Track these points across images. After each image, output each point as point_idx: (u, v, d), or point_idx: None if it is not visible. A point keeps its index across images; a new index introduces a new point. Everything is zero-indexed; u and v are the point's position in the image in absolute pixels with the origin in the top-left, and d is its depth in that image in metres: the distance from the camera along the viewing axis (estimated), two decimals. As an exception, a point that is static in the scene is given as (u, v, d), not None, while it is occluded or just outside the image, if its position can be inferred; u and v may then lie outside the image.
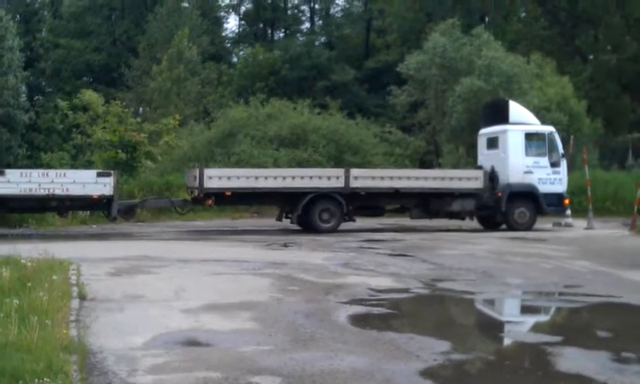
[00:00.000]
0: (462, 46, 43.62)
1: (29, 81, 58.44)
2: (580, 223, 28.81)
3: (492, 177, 28.07)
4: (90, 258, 17.43)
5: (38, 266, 13.07)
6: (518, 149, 28.23)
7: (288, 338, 9.85)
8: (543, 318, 12.72)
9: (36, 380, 6.53)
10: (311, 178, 26.90)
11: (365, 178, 27.38)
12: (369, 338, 10.07)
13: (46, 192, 24.52)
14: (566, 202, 28.70)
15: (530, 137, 28.47)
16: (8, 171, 25.31)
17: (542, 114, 41.46)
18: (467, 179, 28.23)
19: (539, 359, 9.27)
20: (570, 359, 9.03)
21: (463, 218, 28.57)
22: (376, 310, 12.25)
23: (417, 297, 14.11)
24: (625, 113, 53.23)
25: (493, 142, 29.32)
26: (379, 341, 9.85)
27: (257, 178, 26.66)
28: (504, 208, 27.69)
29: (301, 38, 68.27)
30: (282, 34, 72.16)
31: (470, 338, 11.02)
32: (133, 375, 8.03)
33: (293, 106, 40.72)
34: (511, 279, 16.02)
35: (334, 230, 26.26)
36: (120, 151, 34.88)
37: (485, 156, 29.66)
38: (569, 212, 29.69)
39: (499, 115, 29.25)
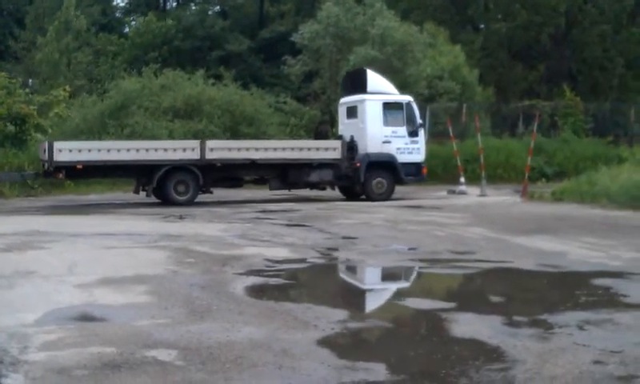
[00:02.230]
0: (356, 16, 43.71)
1: None
2: (474, 190, 29.32)
3: (351, 147, 28.15)
4: (-23, 234, 17.00)
5: None
6: (376, 118, 28.33)
7: (184, 310, 9.76)
8: (437, 284, 12.88)
9: None
10: (166, 150, 26.58)
11: (221, 150, 27.17)
12: (266, 308, 10.05)
13: None
14: (424, 170, 29.01)
15: (388, 106, 28.56)
16: None
17: (435, 83, 42.19)
18: (325, 149, 28.21)
19: (434, 325, 9.38)
20: (465, 324, 9.15)
21: (323, 189, 28.67)
22: (273, 281, 12.24)
23: (313, 267, 14.15)
24: (516, 81, 54.33)
25: (352, 112, 29.39)
26: (276, 311, 9.83)
27: (109, 150, 26.21)
28: (362, 178, 27.79)
29: (194, 8, 67.54)
30: (174, 4, 71.30)
31: (367, 306, 11.13)
32: (25, 352, 7.83)
33: (187, 76, 40.27)
34: (406, 247, 16.22)
35: (189, 203, 25.92)
36: (8, 124, 34.01)
37: (345, 125, 29.73)
38: (462, 179, 30.17)
39: (358, 84, 29.40)
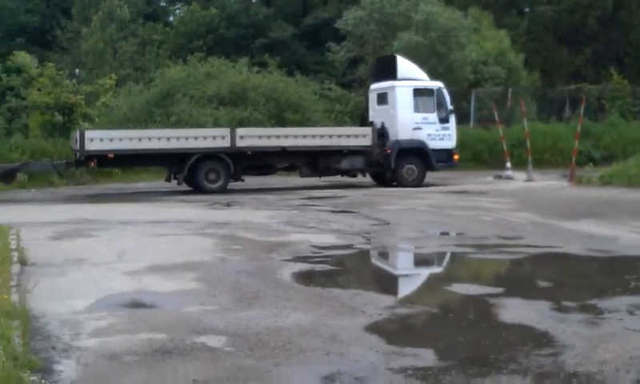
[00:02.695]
0: (400, 1, 43.55)
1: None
2: (520, 175, 29.13)
3: (382, 133, 28.05)
4: (29, 222, 17.22)
5: (-24, 232, 12.89)
6: (407, 105, 28.19)
7: (232, 297, 9.82)
8: (485, 270, 12.83)
9: (-24, 347, 6.43)
10: (196, 138, 26.69)
11: (251, 137, 27.20)
12: (313, 294, 10.08)
13: None
14: (456, 157, 28.80)
15: (418, 93, 28.43)
16: None
17: (480, 68, 41.90)
18: (355, 136, 28.15)
19: (482, 311, 9.35)
20: (512, 310, 9.12)
21: (354, 176, 28.60)
22: (319, 267, 12.27)
23: (360, 253, 14.16)
24: (562, 64, 53.72)
25: (382, 98, 29.26)
26: (323, 297, 9.86)
27: (140, 139, 26.40)
28: (393, 165, 27.69)
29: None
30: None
31: (414, 292, 11.12)
32: (76, 339, 7.93)
33: (231, 64, 40.38)
34: (452, 232, 16.16)
35: (221, 191, 25.99)
36: (57, 113, 34.38)
37: (376, 112, 29.59)
38: (509, 164, 29.98)
39: (388, 71, 29.23)
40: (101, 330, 8.27)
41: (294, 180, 28.54)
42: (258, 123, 33.48)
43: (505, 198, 22.36)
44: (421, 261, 13.92)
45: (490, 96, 40.23)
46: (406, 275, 13.06)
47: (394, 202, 22.01)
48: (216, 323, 8.48)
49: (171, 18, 65.19)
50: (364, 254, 14.19)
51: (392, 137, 27.91)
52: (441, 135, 28.15)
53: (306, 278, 11.31)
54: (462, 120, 39.16)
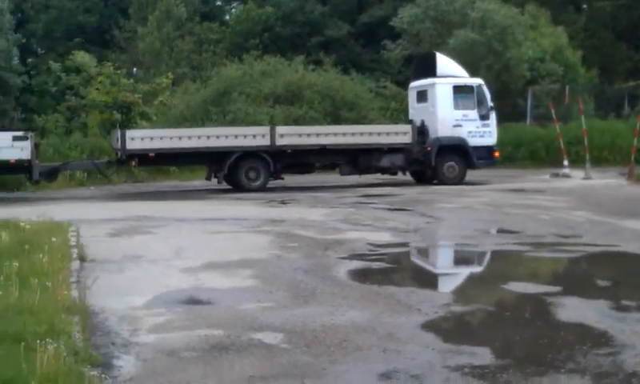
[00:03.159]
0: (456, -1, 43.38)
1: (21, 43, 58.10)
2: (577, 173, 28.82)
3: (422, 131, 27.88)
4: (88, 219, 17.44)
5: (37, 229, 13.09)
6: (447, 102, 27.99)
7: (288, 294, 9.87)
8: (542, 268, 12.73)
9: (38, 341, 6.52)
10: (237, 136, 26.66)
11: (291, 136, 27.14)
12: (369, 292, 10.10)
13: None
14: (497, 154, 28.55)
15: (458, 90, 28.20)
16: None
17: (537, 65, 41.52)
18: (395, 134, 27.99)
19: (539, 309, 9.29)
20: (571, 309, 9.05)
21: (394, 174, 28.41)
22: (375, 265, 12.28)
23: (416, 251, 14.16)
24: (620, 61, 53.03)
25: (422, 96, 29.09)
26: (379, 295, 9.87)
27: (181, 137, 26.50)
28: (433, 162, 27.52)
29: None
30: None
31: (470, 290, 11.05)
32: (135, 335, 8.04)
33: (287, 62, 40.51)
34: (509, 231, 16.04)
35: (261, 189, 26.01)
36: (115, 112, 34.78)
37: (415, 110, 29.45)
38: (566, 162, 29.67)
39: (428, 68, 29.03)
40: (159, 326, 8.38)
41: (350, 178, 28.45)
42: (314, 121, 33.53)
43: (562, 196, 22.15)
44: (477, 259, 13.85)
45: (547, 93, 39.81)
46: (462, 273, 13.00)
47: (450, 199, 21.92)
48: (272, 320, 8.53)
49: (227, 17, 65.51)
50: (420, 252, 14.18)
51: (432, 134, 27.78)
52: (481, 132, 27.93)
53: (361, 275, 11.32)
54: (518, 118, 38.97)
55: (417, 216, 18.29)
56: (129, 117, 34.82)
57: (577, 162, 30.41)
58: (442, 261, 14.25)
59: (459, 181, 27.38)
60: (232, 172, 26.36)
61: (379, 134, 27.93)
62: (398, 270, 12.59)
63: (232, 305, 9.38)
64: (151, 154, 26.16)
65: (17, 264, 9.31)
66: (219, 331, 8.07)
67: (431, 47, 42.10)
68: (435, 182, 27.53)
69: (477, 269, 13.29)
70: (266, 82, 37.90)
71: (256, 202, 22.24)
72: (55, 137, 34.71)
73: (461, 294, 10.53)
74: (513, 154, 34.88)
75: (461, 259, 14.16)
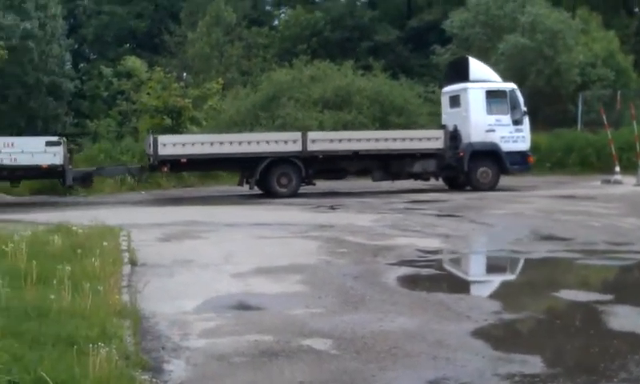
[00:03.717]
0: (506, 3, 43.14)
1: (73, 48, 58.77)
2: (629, 180, 28.47)
3: (454, 136, 27.68)
4: (139, 223, 17.58)
5: (89, 233, 13.21)
6: (480, 107, 27.72)
7: (338, 300, 9.88)
8: (593, 276, 12.61)
9: (90, 345, 6.60)
10: (268, 142, 26.58)
11: (323, 141, 27.04)
12: (418, 299, 10.08)
13: None
14: (530, 159, 28.22)
15: (491, 94, 27.91)
16: None
17: (588, 70, 41.15)
18: (427, 139, 27.72)
19: (591, 318, 9.22)
20: (623, 317, 8.97)
21: (427, 179, 28.12)
22: (425, 271, 12.26)
23: (465, 257, 14.12)
24: (673, 66, 52.39)
25: (455, 101, 28.85)
26: (429, 302, 9.85)
27: (212, 143, 26.40)
28: (466, 168, 27.27)
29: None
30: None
31: (521, 298, 10.96)
32: (185, 339, 8.11)
33: (336, 67, 40.52)
34: (560, 238, 15.90)
35: (292, 195, 25.91)
36: (165, 117, 35.04)
37: (448, 115, 29.24)
38: (617, 168, 29.33)
39: (460, 73, 28.80)
40: (209, 331, 8.43)
41: (400, 183, 28.37)
42: (363, 126, 33.50)
43: (614, 203, 21.91)
44: (527, 266, 13.74)
45: (598, 99, 39.39)
46: (513, 280, 12.91)
47: (500, 205, 21.78)
48: (322, 326, 8.55)
49: (276, 22, 65.73)
50: (469, 259, 14.11)
51: (465, 139, 27.59)
52: (514, 137, 27.66)
53: (411, 282, 11.31)
54: (569, 123, 38.62)
55: (466, 222, 18.22)
56: (179, 121, 35.05)
57: (628, 168, 30.04)
58: (491, 268, 14.17)
59: (493, 186, 27.19)
60: (263, 178, 26.35)
61: (411, 139, 27.80)
62: (447, 276, 12.56)
63: (281, 310, 9.41)
64: (183, 160, 26.24)
65: (69, 268, 9.40)
66: (269, 336, 8.10)
67: (480, 52, 41.94)
68: (468, 187, 27.36)
69: (527, 276, 13.18)
70: (315, 86, 37.93)
71: (305, 207, 22.28)
72: (107, 141, 35.07)
73: (511, 301, 10.45)
74: (563, 159, 34.58)
75: (511, 266, 14.05)
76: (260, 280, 11.25)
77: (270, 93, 37.95)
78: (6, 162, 23.75)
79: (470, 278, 12.93)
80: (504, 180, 28.20)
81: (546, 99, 40.09)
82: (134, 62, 38.86)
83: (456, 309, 9.40)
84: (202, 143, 26.48)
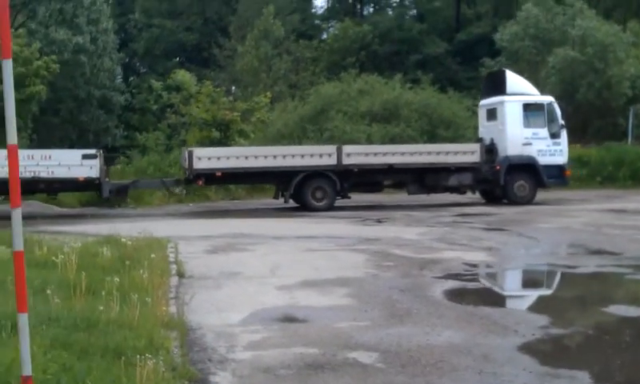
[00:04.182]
0: (556, 16, 42.91)
1: (124, 62, 59.43)
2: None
3: (491, 149, 27.53)
4: (187, 235, 17.73)
5: (138, 245, 13.32)
6: (516, 120, 27.56)
7: (384, 313, 9.86)
8: (644, 291, 12.47)
9: (138, 356, 6.66)
10: (303, 156, 26.63)
11: (358, 155, 26.99)
12: (465, 312, 10.02)
13: (32, 175, 23.70)
14: (568, 173, 27.98)
15: (528, 107, 27.72)
16: None
17: (639, 83, 40.75)
18: (463, 153, 27.56)
19: (640, 333, 9.12)
20: (673, 333, 8.86)
21: (463, 193, 28.00)
22: (471, 285, 12.20)
23: (512, 271, 14.00)
24: None
25: (492, 114, 28.69)
26: (475, 316, 9.79)
27: (247, 157, 26.50)
28: (502, 181, 27.09)
29: (390, 12, 67.82)
30: (371, 9, 71.78)
31: (569, 313, 10.86)
32: (232, 351, 8.13)
33: (384, 81, 40.55)
34: (609, 252, 15.73)
35: (328, 209, 25.90)
36: (214, 130, 35.28)
37: (485, 128, 29.08)
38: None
39: (497, 86, 28.64)
40: (255, 343, 8.45)
41: (448, 197, 28.28)
42: (411, 140, 33.44)
43: (665, 218, 21.67)
44: (576, 280, 13.60)
45: (651, 112, 39.08)
46: (560, 295, 12.78)
47: (548, 219, 21.63)
48: (368, 339, 8.53)
49: (325, 36, 65.89)
50: (516, 273, 14.01)
51: (501, 153, 27.46)
52: (552, 151, 27.45)
53: (457, 295, 11.24)
54: (619, 137, 38.26)
55: (514, 236, 18.12)
56: (227, 134, 35.29)
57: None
58: (538, 282, 14.04)
59: (529, 200, 27.05)
60: (298, 191, 26.39)
61: (447, 152, 27.60)
62: (493, 290, 12.49)
63: (327, 323, 9.41)
64: (218, 174, 26.30)
65: (118, 279, 9.50)
66: (314, 349, 8.11)
67: (530, 65, 41.80)
68: (505, 201, 27.18)
69: (575, 291, 13.03)
70: (363, 100, 38.01)
71: (351, 220, 22.30)
72: (155, 154, 35.38)
73: (559, 315, 10.35)
74: (613, 173, 34.24)
75: (558, 281, 13.92)
76: (306, 293, 11.27)
77: (317, 106, 38.09)
78: (44, 174, 23.98)
79: (517, 292, 12.84)
80: (552, 194, 27.99)
81: (596, 112, 39.81)
82: (183, 76, 39.22)
83: (503, 323, 9.33)
84: (237, 157, 26.63)
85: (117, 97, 49.31)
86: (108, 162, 27.28)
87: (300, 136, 35.83)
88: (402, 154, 27.35)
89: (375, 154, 27.25)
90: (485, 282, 12.75)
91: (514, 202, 26.82)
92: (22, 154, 25.23)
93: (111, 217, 23.99)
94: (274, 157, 26.53)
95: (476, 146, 27.85)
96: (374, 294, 11.04)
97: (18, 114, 30.02)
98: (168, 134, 39.84)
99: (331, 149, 27.04)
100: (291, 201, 26.74)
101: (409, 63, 55.18)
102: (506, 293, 12.69)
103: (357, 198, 28.19)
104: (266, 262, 14.17)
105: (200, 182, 26.65)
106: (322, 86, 41.01)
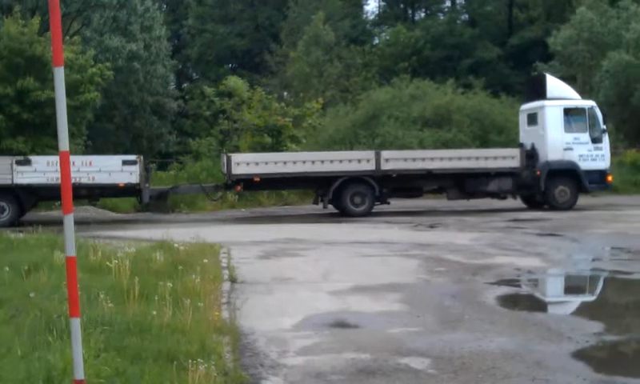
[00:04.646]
0: (610, 20, 42.44)
1: (177, 69, 59.91)
2: None
3: (532, 154, 27.17)
4: (239, 241, 17.82)
5: (190, 250, 13.44)
6: (557, 125, 27.11)
7: (436, 319, 9.83)
8: (701, 297, 12.29)
9: (190, 361, 6.70)
10: (341, 161, 26.48)
11: (396, 160, 26.74)
12: (518, 319, 9.95)
13: (73, 181, 23.82)
14: (610, 178, 27.48)
15: (569, 112, 27.29)
16: (34, 160, 24.92)
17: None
18: (503, 158, 27.19)
19: (698, 341, 8.98)
20: None
21: (503, 198, 27.61)
22: (524, 291, 12.13)
23: (566, 277, 13.88)
24: None
25: (532, 118, 28.28)
26: (528, 322, 9.72)
27: (285, 162, 26.43)
28: (543, 187, 26.70)
29: (442, 17, 67.58)
30: (422, 14, 71.61)
31: (624, 319, 10.73)
32: (283, 356, 8.16)
33: (436, 86, 40.41)
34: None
35: (366, 214, 25.77)
36: (266, 135, 35.41)
37: (526, 133, 28.69)
38: None
39: (538, 90, 28.21)
40: (307, 349, 8.47)
41: (501, 202, 28.07)
42: (463, 145, 33.26)
43: None
44: (631, 286, 13.44)
45: None
46: (615, 301, 12.63)
47: (602, 224, 21.41)
48: (419, 345, 8.51)
49: (376, 41, 65.85)
50: (570, 279, 13.88)
51: (542, 158, 27.08)
52: (593, 155, 27.02)
53: (510, 301, 11.18)
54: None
55: (568, 241, 17.93)
56: (279, 140, 35.38)
57: None
58: (593, 288, 13.89)
59: (571, 205, 26.68)
60: (337, 196, 26.30)
61: (486, 158, 27.32)
62: (547, 296, 12.38)
63: (379, 329, 9.40)
64: (256, 179, 26.32)
65: (170, 284, 9.59)
66: (366, 355, 8.10)
67: (584, 69, 41.39)
68: (546, 206, 26.88)
69: (631, 297, 12.87)
70: (414, 105, 37.89)
71: (404, 225, 22.24)
72: (208, 160, 35.59)
73: (614, 322, 10.23)
74: (670, 178, 33.77)
75: (613, 287, 13.76)
76: (358, 298, 11.26)
77: (369, 111, 38.05)
78: (85, 180, 24.17)
79: (570, 298, 12.71)
80: (605, 199, 27.69)
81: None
82: (235, 82, 39.33)
83: (556, 329, 9.25)
84: (276, 162, 26.61)
85: (170, 103, 49.74)
86: (148, 168, 27.41)
87: (352, 141, 35.80)
88: (441, 159, 27.16)
89: (414, 160, 27.04)
90: (538, 288, 12.65)
91: (554, 207, 26.52)
92: None
93: (165, 222, 24.15)
94: (312, 162, 26.47)
95: (516, 151, 27.56)
96: (426, 300, 11.01)
97: (73, 121, 30.56)
98: (220, 140, 40.03)
99: (369, 154, 27.01)
100: (330, 206, 26.72)
101: (460, 68, 54.93)
102: (559, 299, 12.57)
103: (408, 203, 28.14)
104: (318, 267, 14.21)
105: (238, 188, 26.76)
106: (374, 92, 40.98)
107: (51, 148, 25.52)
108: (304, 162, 26.47)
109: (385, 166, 26.32)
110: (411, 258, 15.31)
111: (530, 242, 17.97)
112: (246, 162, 26.33)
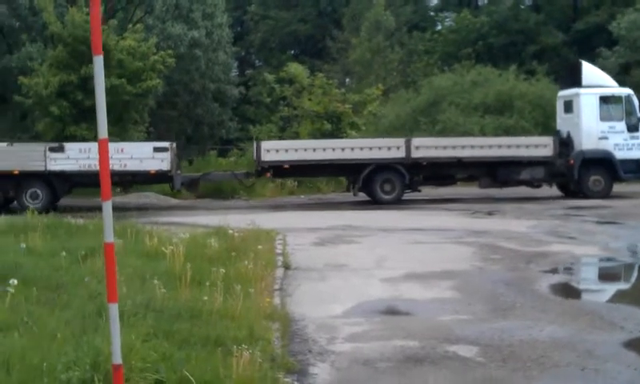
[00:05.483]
0: (678, 3, 41.73)
1: (240, 56, 60.15)
2: None
3: (566, 143, 26.73)
4: (295, 227, 17.90)
5: (245, 236, 13.52)
6: (592, 113, 26.69)
7: (487, 307, 9.80)
8: None
9: (235, 346, 6.75)
10: (371, 148, 26.34)
11: (427, 148, 26.47)
12: (570, 307, 9.87)
13: None
14: None
15: (605, 100, 26.80)
16: (67, 146, 25.17)
17: None
18: (535, 147, 26.72)
19: None
20: None
21: (537, 186, 27.14)
22: (579, 279, 12.02)
23: (624, 266, 13.71)
24: None
25: (568, 106, 27.81)
26: (581, 311, 9.64)
27: (315, 149, 26.34)
28: (576, 176, 26.26)
29: (507, 3, 66.87)
30: (486, 0, 70.97)
31: (680, 309, 10.61)
32: (332, 343, 8.20)
33: (498, 72, 40.06)
34: None
35: (396, 202, 25.60)
36: (325, 122, 35.43)
37: (562, 120, 28.24)
38: None
39: (574, 77, 27.78)
40: (356, 336, 8.50)
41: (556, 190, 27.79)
42: (525, 131, 32.92)
43: None
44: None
45: None
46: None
47: (665, 213, 21.11)
48: (469, 333, 8.49)
49: (439, 27, 65.47)
50: (627, 267, 13.71)
51: (577, 147, 26.68)
52: (629, 144, 26.51)
53: (563, 290, 11.09)
54: None
55: (627, 229, 17.71)
56: (339, 127, 35.38)
57: None
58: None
59: (606, 195, 26.17)
60: (366, 184, 26.21)
61: (518, 146, 26.83)
62: (602, 285, 12.26)
63: (430, 316, 9.40)
64: (286, 166, 26.38)
65: (223, 270, 9.66)
66: (415, 342, 8.11)
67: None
68: (580, 195, 26.44)
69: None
70: (476, 91, 37.61)
71: (461, 212, 22.15)
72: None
73: (669, 312, 10.12)
74: None
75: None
76: (410, 285, 11.27)
77: (430, 98, 37.89)
78: (116, 167, 24.03)
79: (625, 287, 12.54)
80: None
81: None
82: (295, 69, 39.42)
83: (609, 318, 9.16)
84: (305, 149, 26.61)
85: (231, 90, 49.99)
86: (180, 154, 27.58)
87: (412, 128, 35.67)
88: (472, 147, 26.88)
89: (445, 148, 26.80)
90: (593, 277, 12.53)
91: (588, 196, 26.06)
92: (96, 146, 25.83)
93: (224, 208, 24.33)
94: (342, 149, 26.46)
95: (549, 140, 27.14)
96: (479, 288, 10.97)
97: (135, 108, 30.90)
98: (281, 127, 40.17)
99: (400, 141, 26.76)
100: (361, 194, 26.66)
101: (525, 54, 54.32)
102: (614, 287, 12.41)
103: (466, 190, 27.94)
104: (373, 254, 14.23)
105: (268, 175, 26.80)
106: (435, 78, 40.76)
107: (111, 135, 25.84)
108: (333, 149, 26.50)
109: (415, 154, 26.17)
110: (466, 245, 15.25)
111: (588, 229, 17.78)
112: (275, 149, 26.46)
